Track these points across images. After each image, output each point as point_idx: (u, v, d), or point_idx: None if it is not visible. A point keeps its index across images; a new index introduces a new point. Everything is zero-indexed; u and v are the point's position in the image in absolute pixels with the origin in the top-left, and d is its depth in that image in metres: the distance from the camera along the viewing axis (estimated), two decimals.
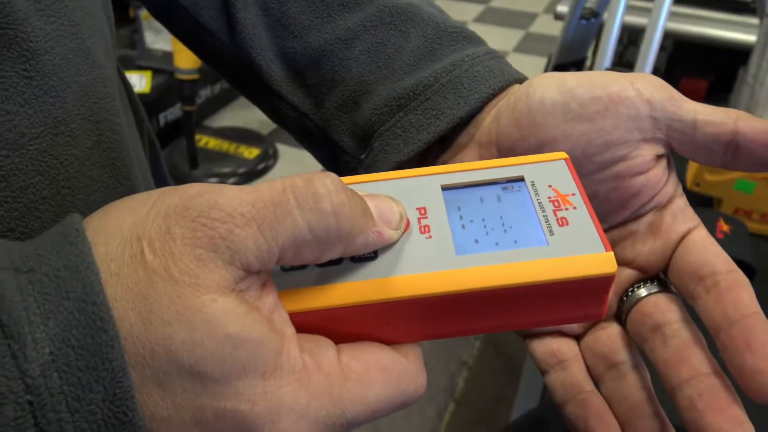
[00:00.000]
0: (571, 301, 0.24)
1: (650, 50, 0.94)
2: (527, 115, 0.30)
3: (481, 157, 0.32)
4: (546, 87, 0.29)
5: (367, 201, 0.23)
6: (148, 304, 0.19)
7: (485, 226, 0.25)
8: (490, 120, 0.32)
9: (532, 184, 0.26)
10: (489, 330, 0.25)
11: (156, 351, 0.19)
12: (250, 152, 2.20)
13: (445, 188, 0.26)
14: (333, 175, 0.21)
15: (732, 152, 0.28)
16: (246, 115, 2.41)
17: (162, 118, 2.16)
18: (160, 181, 0.47)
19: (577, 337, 0.31)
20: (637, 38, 0.93)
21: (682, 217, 0.29)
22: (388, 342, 0.23)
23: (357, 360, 0.22)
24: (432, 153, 0.34)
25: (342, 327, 0.23)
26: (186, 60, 1.82)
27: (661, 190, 0.29)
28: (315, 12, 0.36)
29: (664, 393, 0.27)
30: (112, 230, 0.20)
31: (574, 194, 0.26)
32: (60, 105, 0.28)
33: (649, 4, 0.94)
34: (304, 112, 0.37)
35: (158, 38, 2.11)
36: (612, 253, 0.23)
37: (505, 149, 0.31)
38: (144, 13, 2.06)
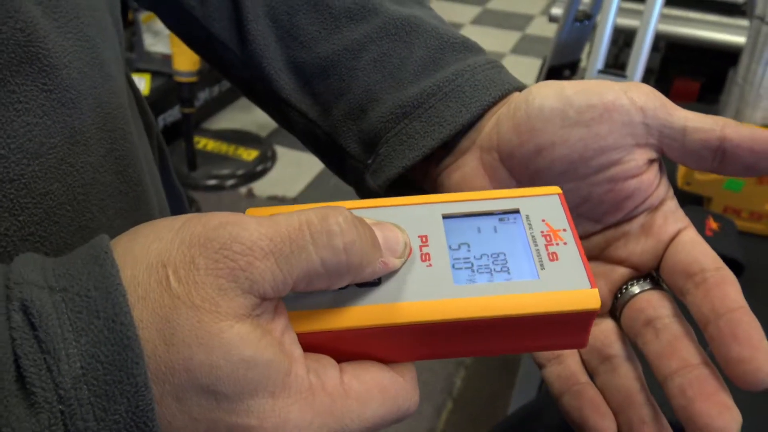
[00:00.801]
0: (557, 332, 0.25)
1: (641, 52, 0.95)
2: (526, 121, 0.31)
3: (483, 161, 0.33)
4: (544, 95, 0.31)
5: (375, 229, 0.24)
6: (171, 327, 0.20)
7: (482, 257, 0.26)
8: (491, 126, 0.33)
9: (527, 217, 0.27)
10: (480, 353, 0.26)
11: (176, 370, 0.20)
12: (249, 154, 2.20)
13: (445, 217, 0.27)
14: (345, 212, 0.23)
15: (720, 158, 0.29)
16: (244, 117, 2.41)
17: (161, 121, 2.15)
18: (168, 186, 0.48)
19: None
20: (632, 40, 0.95)
21: (672, 218, 0.30)
22: (386, 361, 0.25)
23: (358, 379, 0.24)
24: (435, 157, 0.35)
25: (345, 347, 0.24)
26: (184, 62, 1.82)
27: (653, 192, 0.30)
28: (323, 24, 0.37)
29: (655, 383, 0.28)
30: (138, 254, 0.21)
31: (565, 230, 0.27)
32: (77, 116, 0.29)
33: (641, 7, 0.95)
34: (312, 119, 0.38)
35: (157, 41, 2.11)
36: (596, 290, 0.25)
37: (505, 154, 0.32)
38: (143, 16, 2.05)
